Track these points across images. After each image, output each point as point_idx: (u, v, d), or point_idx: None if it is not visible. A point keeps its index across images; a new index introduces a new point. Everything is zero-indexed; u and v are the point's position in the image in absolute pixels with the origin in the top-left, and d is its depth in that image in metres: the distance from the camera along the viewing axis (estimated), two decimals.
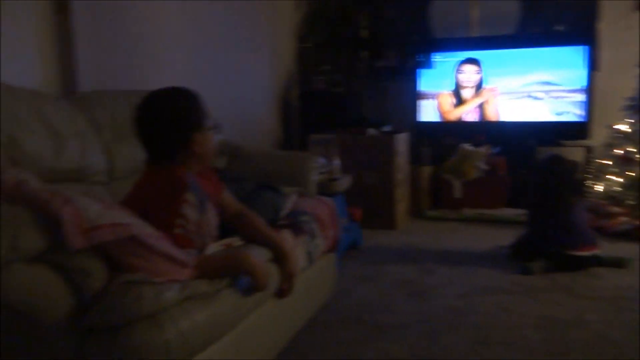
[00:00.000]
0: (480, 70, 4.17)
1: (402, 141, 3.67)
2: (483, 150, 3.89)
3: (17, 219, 1.00)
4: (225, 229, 1.61)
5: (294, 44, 4.57)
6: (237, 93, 3.51)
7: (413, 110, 4.37)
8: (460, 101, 4.26)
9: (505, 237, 3.09)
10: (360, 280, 2.58)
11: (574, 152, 4.02)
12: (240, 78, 3.58)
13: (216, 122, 1.55)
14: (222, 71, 3.31)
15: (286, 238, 1.69)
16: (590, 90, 3.93)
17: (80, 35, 2.11)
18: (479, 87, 4.19)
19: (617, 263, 2.69)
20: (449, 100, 4.29)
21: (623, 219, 3.32)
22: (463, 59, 4.21)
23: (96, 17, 2.21)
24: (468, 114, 4.24)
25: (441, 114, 4.30)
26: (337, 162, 2.87)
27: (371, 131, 3.64)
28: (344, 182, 2.81)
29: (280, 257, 1.61)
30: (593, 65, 4.03)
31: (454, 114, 4.28)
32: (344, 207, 2.86)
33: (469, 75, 4.21)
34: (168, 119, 1.45)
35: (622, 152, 3.61)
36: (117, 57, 2.37)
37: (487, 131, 4.15)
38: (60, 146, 1.66)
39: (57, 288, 1.06)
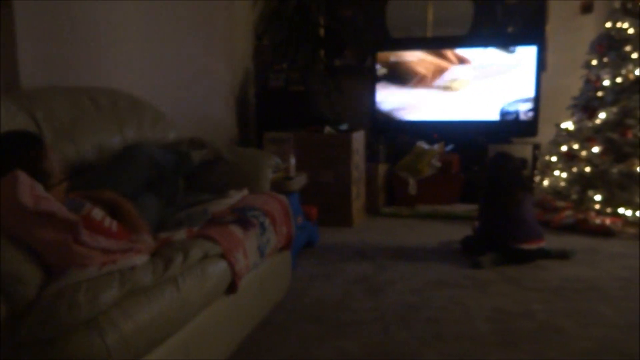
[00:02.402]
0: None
1: (358, 139, 3.69)
2: (437, 148, 3.97)
3: None
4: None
5: (252, 41, 4.53)
6: (193, 90, 3.45)
7: (370, 108, 4.41)
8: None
9: (459, 232, 3.17)
10: (316, 278, 2.58)
11: (523, 149, 4.17)
12: (197, 75, 3.52)
13: None
14: (178, 67, 3.25)
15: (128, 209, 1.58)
16: (538, 89, 4.07)
17: (22, 27, 2.01)
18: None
19: (562, 255, 2.80)
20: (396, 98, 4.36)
21: (568, 212, 3.46)
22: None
23: (41, 9, 2.12)
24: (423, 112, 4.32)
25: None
26: (292, 160, 2.86)
27: (328, 129, 3.66)
28: (299, 181, 2.80)
29: (115, 209, 1.53)
30: (541, 66, 4.19)
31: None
32: (299, 206, 2.86)
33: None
34: None
35: (566, 149, 3.76)
36: (66, 51, 2.27)
37: (441, 129, 4.24)
38: None
39: None
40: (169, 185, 2.10)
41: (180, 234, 1.68)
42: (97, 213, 1.31)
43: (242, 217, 1.83)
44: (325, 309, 2.21)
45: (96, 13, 2.46)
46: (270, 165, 2.39)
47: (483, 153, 4.08)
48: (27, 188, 1.04)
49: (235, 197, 2.06)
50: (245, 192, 2.16)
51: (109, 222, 1.33)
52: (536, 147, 4.15)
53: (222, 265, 1.61)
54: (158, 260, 1.38)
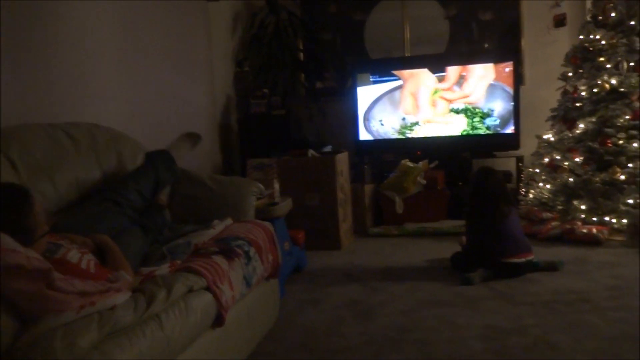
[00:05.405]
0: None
1: (342, 161, 3.69)
2: (422, 165, 3.98)
3: None
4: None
5: (232, 68, 4.55)
6: (174, 118, 3.44)
7: (352, 129, 4.43)
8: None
9: (447, 249, 3.15)
10: (305, 304, 2.54)
11: (506, 163, 4.21)
12: (177, 103, 3.51)
13: None
14: (158, 96, 3.23)
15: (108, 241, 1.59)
16: (517, 103, 4.12)
17: (2, 65, 1.99)
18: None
19: (551, 267, 2.80)
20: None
21: (554, 223, 3.47)
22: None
23: (19, 45, 2.10)
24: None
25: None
26: (276, 186, 2.84)
27: (311, 152, 3.65)
28: (284, 206, 2.78)
29: (103, 249, 1.53)
30: (519, 80, 4.25)
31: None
32: (285, 231, 2.84)
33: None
34: None
35: (549, 160, 3.79)
36: (43, 87, 2.25)
37: (425, 146, 4.26)
38: None
39: None
40: (155, 218, 2.08)
41: (164, 268, 1.66)
42: (74, 255, 1.28)
43: (226, 248, 1.81)
44: (315, 336, 2.16)
45: (74, 47, 2.45)
46: (253, 192, 2.38)
47: (467, 168, 4.10)
48: None
49: (219, 227, 2.04)
50: (229, 221, 2.14)
51: (87, 264, 1.30)
52: (519, 159, 4.18)
53: (207, 298, 1.58)
54: (140, 298, 1.35)
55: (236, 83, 4.57)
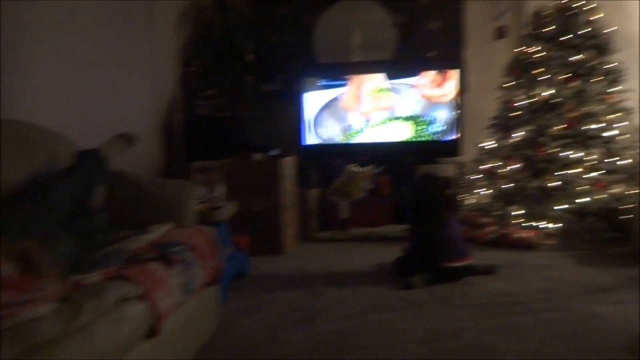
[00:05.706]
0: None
1: (288, 165, 3.68)
2: (367, 170, 4.03)
3: None
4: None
5: (177, 67, 4.44)
6: (114, 118, 3.30)
7: (299, 133, 4.43)
8: None
9: (391, 254, 3.20)
10: (247, 311, 2.50)
11: (447, 169, 4.33)
12: (118, 102, 3.38)
13: None
14: (97, 94, 3.10)
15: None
16: (460, 111, 4.26)
17: None
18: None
19: (488, 270, 2.89)
20: None
21: (491, 228, 3.60)
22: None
23: None
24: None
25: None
26: (220, 189, 2.79)
27: (257, 156, 3.62)
28: (227, 210, 2.73)
29: (27, 257, 1.38)
30: (462, 88, 4.39)
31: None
32: (229, 236, 2.79)
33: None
34: None
35: (488, 167, 3.94)
36: None
37: (371, 152, 4.32)
38: None
39: None
40: (86, 222, 1.98)
41: (94, 276, 1.58)
42: None
43: (163, 254, 1.75)
44: (256, 344, 2.13)
45: (8, 43, 2.31)
46: (194, 195, 2.32)
47: (411, 174, 4.19)
48: None
49: (157, 232, 1.97)
50: (168, 226, 2.07)
51: (7, 272, 1.22)
52: (460, 166, 4.32)
53: (141, 307, 1.52)
54: (67, 308, 1.28)
55: (183, 83, 4.47)
